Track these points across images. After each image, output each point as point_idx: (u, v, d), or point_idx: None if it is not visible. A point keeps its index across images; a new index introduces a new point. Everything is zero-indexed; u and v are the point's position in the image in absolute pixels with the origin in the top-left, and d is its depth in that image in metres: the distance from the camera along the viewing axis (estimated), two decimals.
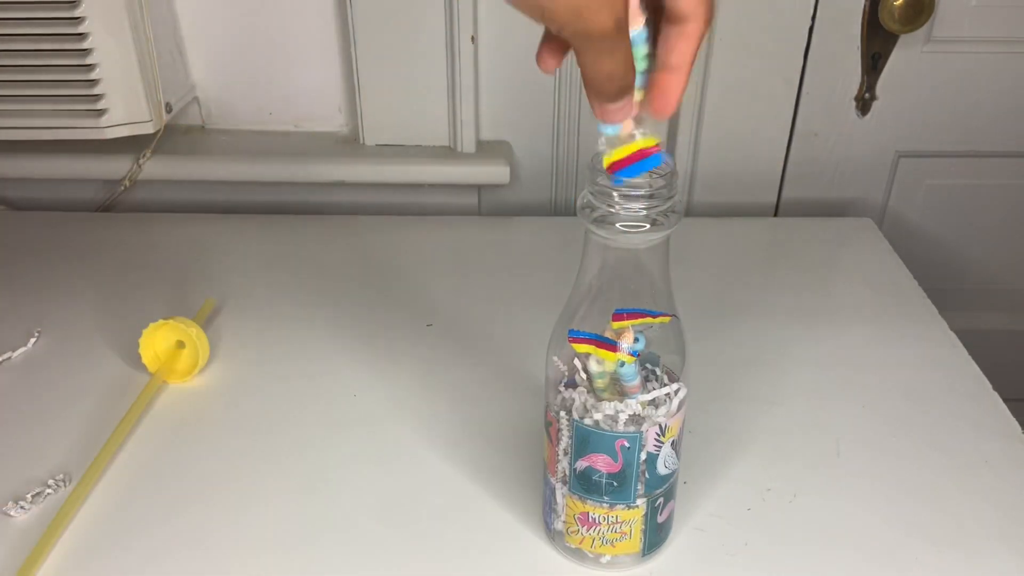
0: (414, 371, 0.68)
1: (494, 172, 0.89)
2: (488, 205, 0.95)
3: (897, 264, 0.82)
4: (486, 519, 0.54)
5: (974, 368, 0.68)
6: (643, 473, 0.47)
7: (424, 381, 0.66)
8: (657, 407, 0.46)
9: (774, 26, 0.84)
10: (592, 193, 0.42)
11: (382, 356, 0.69)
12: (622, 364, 0.44)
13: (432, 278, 0.79)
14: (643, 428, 0.45)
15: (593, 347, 0.44)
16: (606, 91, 0.36)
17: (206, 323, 0.72)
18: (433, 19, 0.83)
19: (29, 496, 0.55)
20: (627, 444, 0.46)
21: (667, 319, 0.45)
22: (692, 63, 0.37)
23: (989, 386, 0.66)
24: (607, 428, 0.45)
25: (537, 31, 0.37)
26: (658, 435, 0.46)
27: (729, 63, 0.86)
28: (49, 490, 0.56)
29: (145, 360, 0.66)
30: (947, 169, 0.93)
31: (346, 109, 0.92)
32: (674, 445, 0.48)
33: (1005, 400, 0.64)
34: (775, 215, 0.95)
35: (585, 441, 0.46)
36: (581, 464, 0.47)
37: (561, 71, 0.86)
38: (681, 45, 0.36)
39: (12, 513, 0.54)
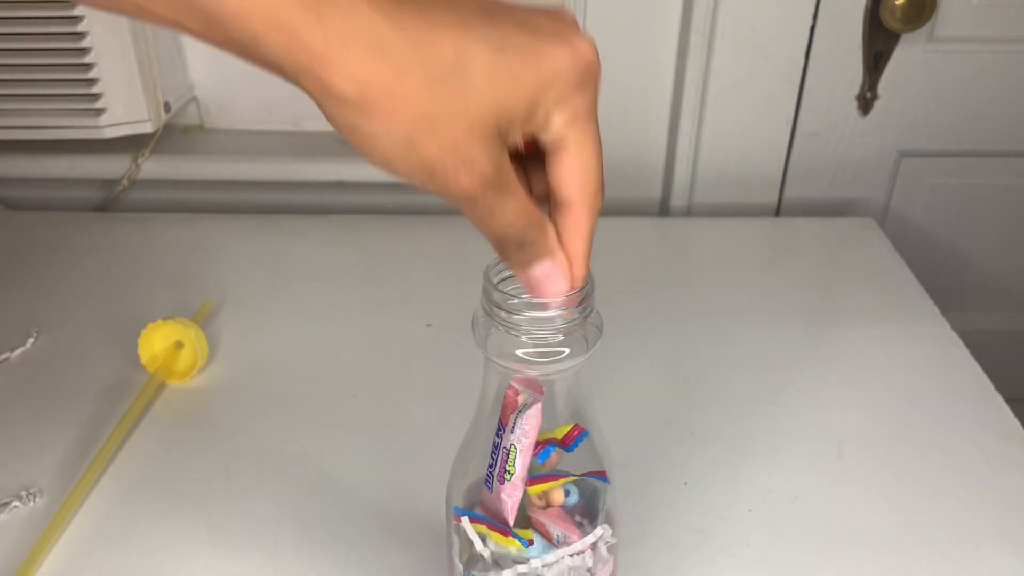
0: (414, 371, 0.67)
1: None
2: None
3: (899, 264, 0.82)
4: None
5: (976, 368, 0.68)
6: None
7: (424, 381, 0.66)
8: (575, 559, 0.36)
9: (775, 25, 0.84)
10: (484, 308, 0.32)
11: (382, 356, 0.69)
12: (527, 545, 0.34)
13: (432, 278, 0.79)
14: None
15: (485, 528, 0.35)
16: (510, 244, 0.31)
17: (205, 323, 0.72)
18: None
19: (26, 495, 0.55)
20: None
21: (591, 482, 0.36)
22: (587, 254, 0.32)
23: (991, 386, 0.66)
24: None
25: None
26: None
27: (729, 63, 0.85)
28: (48, 490, 0.56)
29: (144, 360, 0.66)
30: (949, 169, 0.93)
31: None
32: None
33: (1007, 400, 0.64)
34: (776, 215, 0.95)
35: None
36: None
37: None
38: (567, 238, 0.32)
39: (11, 512, 0.54)
